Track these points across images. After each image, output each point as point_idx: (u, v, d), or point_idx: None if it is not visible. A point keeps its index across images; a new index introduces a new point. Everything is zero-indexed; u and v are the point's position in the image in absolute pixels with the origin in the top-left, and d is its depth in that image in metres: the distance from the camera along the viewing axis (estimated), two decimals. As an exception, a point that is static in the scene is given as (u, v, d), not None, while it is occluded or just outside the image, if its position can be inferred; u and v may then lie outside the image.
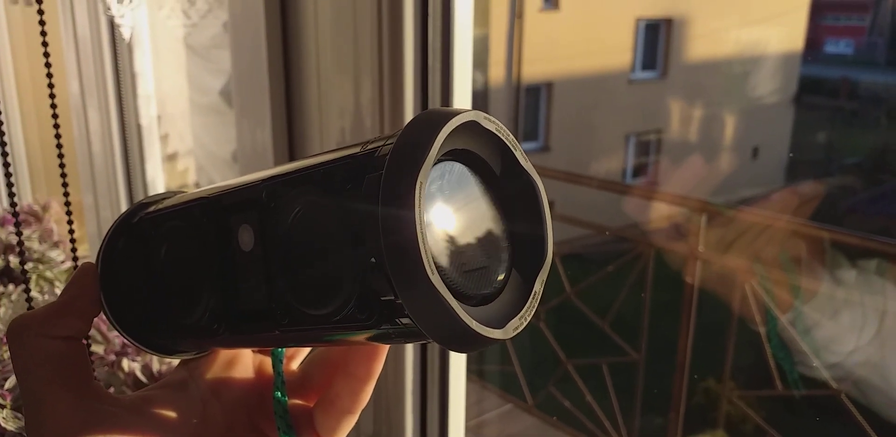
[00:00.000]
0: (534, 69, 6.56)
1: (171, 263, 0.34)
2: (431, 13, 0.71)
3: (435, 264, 0.24)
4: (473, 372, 2.47)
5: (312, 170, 0.28)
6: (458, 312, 0.24)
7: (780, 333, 1.57)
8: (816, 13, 7.74)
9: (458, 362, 0.71)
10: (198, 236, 0.33)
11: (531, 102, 6.75)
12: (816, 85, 7.39)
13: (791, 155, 6.80)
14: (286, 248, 0.29)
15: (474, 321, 0.24)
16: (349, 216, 0.26)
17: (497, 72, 6.42)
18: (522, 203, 0.28)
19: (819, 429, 2.14)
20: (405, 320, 0.25)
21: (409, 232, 0.23)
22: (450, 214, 0.26)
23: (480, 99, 6.14)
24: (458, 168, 0.27)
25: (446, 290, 0.24)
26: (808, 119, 7.10)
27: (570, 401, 2.13)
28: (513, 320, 0.26)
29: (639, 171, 6.97)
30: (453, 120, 0.25)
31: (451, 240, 0.26)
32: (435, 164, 0.26)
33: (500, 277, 0.28)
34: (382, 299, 0.25)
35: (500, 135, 0.28)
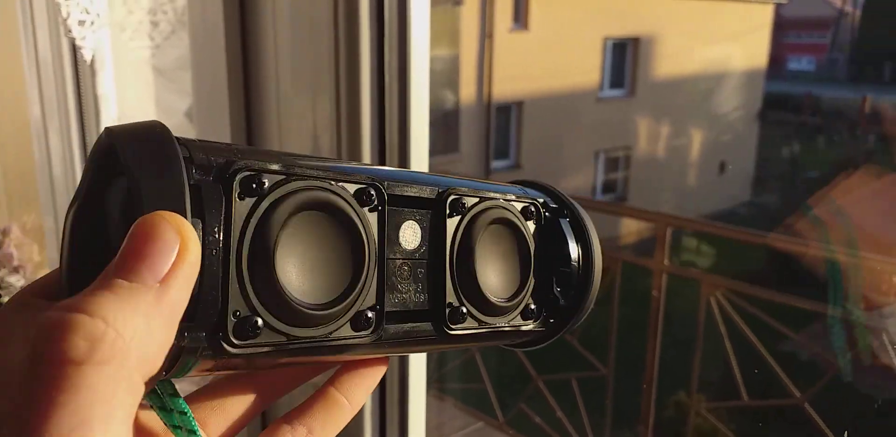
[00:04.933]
0: (504, 88, 6.62)
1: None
2: (388, 34, 0.73)
3: None
4: (444, 390, 2.46)
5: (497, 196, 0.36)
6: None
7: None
8: (779, 31, 7.93)
9: (417, 373, 0.71)
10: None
11: (502, 121, 6.81)
12: (780, 101, 7.55)
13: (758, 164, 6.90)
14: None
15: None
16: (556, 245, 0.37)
17: (468, 91, 6.48)
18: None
19: (787, 439, 2.16)
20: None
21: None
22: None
23: (452, 118, 6.18)
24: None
25: None
26: (772, 134, 7.24)
27: (540, 417, 2.13)
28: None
29: (608, 187, 7.04)
30: None
31: None
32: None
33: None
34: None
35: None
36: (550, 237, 0.37)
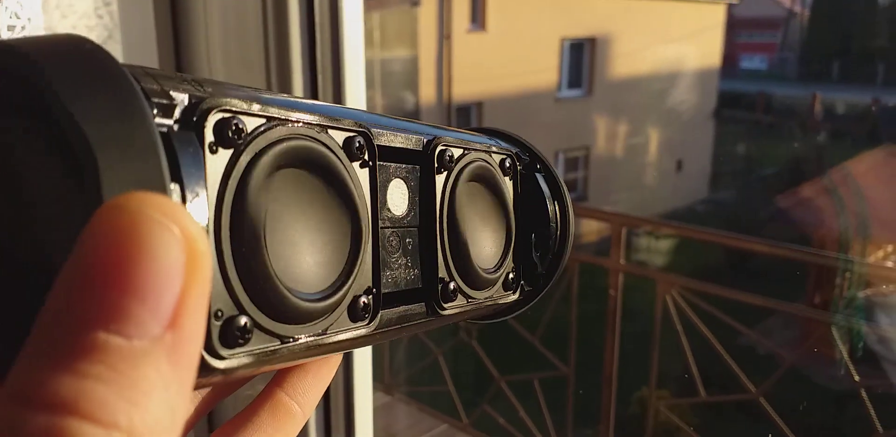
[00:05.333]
0: (463, 89, 6.63)
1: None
2: (319, 38, 0.72)
3: None
4: (407, 393, 2.45)
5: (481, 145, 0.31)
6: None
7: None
8: (731, 31, 8.08)
9: (363, 371, 0.70)
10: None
11: (462, 122, 6.81)
12: (734, 99, 7.68)
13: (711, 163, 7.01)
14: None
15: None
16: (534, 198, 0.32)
17: (428, 92, 6.47)
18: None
19: (744, 432, 2.19)
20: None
21: None
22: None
23: (413, 119, 6.17)
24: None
25: None
26: (727, 132, 7.36)
27: (504, 418, 2.13)
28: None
29: (568, 187, 7.09)
30: None
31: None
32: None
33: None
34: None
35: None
36: (527, 195, 0.33)
